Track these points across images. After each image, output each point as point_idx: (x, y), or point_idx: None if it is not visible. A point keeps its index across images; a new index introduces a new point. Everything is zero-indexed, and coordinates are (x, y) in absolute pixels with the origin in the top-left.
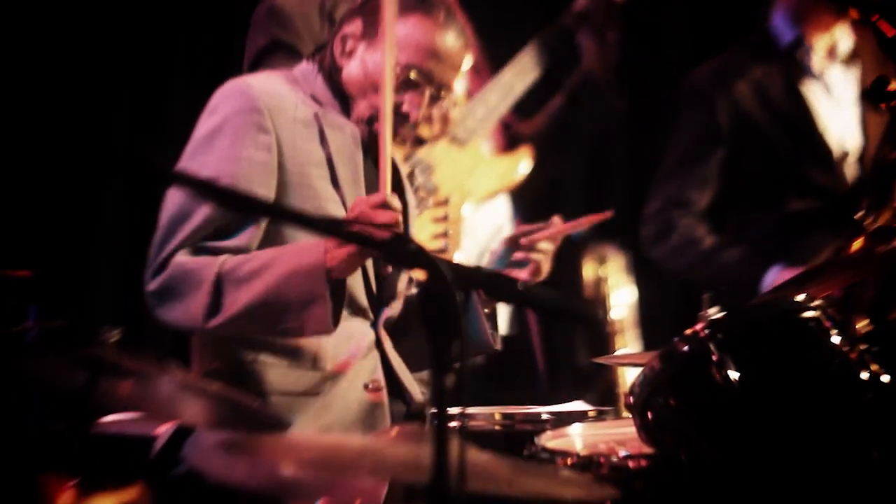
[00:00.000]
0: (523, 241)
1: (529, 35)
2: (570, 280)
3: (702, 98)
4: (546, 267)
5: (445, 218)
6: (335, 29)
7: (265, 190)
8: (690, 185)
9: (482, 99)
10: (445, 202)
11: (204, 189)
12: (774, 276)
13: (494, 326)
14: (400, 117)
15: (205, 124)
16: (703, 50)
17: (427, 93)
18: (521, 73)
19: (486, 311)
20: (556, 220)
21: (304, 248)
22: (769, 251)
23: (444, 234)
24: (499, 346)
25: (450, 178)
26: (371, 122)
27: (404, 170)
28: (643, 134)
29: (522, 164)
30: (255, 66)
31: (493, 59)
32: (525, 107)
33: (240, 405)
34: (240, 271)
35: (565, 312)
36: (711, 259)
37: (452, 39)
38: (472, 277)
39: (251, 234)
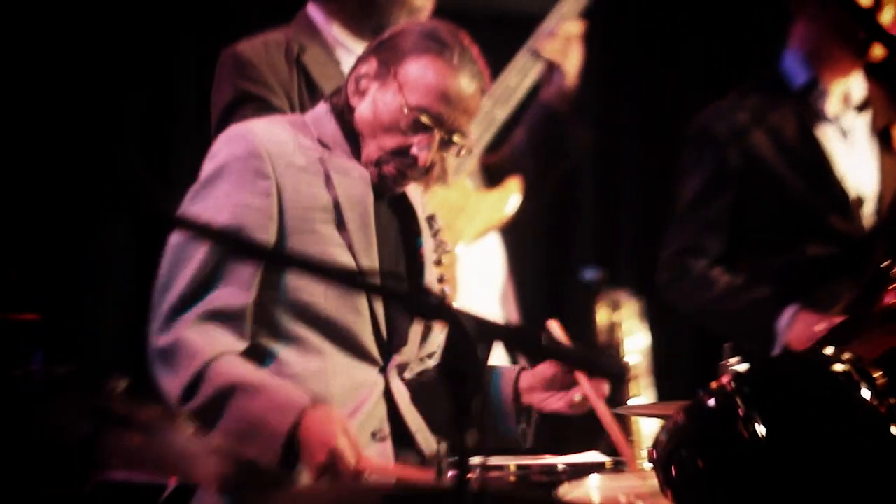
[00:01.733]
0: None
1: (504, 63)
2: (583, 325)
3: (711, 139)
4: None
5: (439, 262)
6: (351, 70)
7: (264, 235)
8: (701, 230)
9: None
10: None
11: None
12: (790, 318)
13: (528, 421)
14: (409, 159)
15: (206, 169)
16: (713, 88)
17: (437, 136)
18: (501, 100)
19: (519, 404)
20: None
21: (280, 405)
22: (785, 296)
23: (441, 280)
24: (529, 445)
25: (440, 219)
26: (379, 164)
27: (423, 211)
28: (655, 176)
29: (512, 197)
30: (225, 120)
31: None
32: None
33: (248, 463)
34: (222, 386)
35: (593, 367)
36: (725, 300)
37: (466, 82)
38: (495, 330)
39: (249, 281)
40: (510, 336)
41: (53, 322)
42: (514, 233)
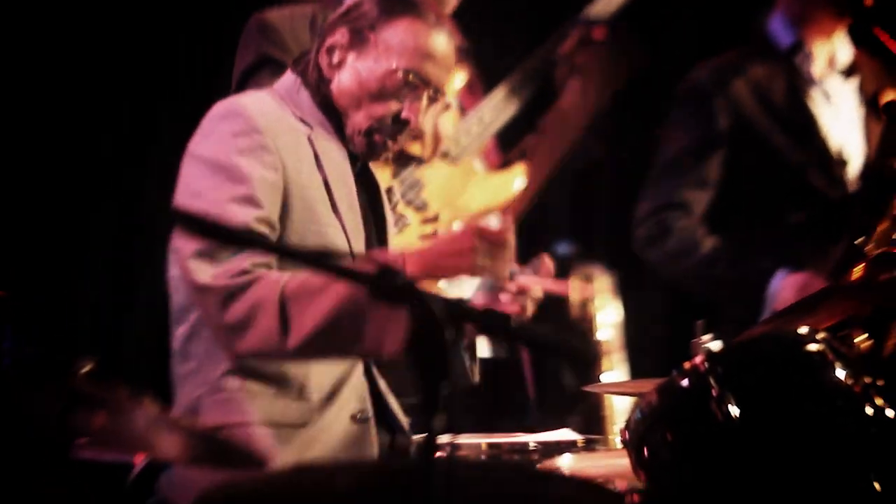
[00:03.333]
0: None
1: (525, 53)
2: (555, 300)
3: (701, 98)
4: (531, 311)
5: (434, 234)
6: (318, 41)
7: (278, 210)
8: (688, 187)
9: (476, 116)
10: (435, 219)
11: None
12: (780, 282)
13: (473, 357)
14: (400, 124)
15: (201, 147)
16: (699, 55)
17: (425, 96)
18: (514, 92)
19: (466, 341)
20: (546, 260)
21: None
22: (772, 258)
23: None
24: (476, 379)
25: (440, 194)
26: (370, 133)
27: (383, 184)
28: (629, 150)
29: (517, 180)
30: (244, 81)
31: (488, 77)
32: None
33: (215, 441)
34: (304, 290)
35: (558, 350)
36: (712, 264)
37: (444, 40)
38: (463, 314)
39: None
40: (479, 318)
41: (22, 299)
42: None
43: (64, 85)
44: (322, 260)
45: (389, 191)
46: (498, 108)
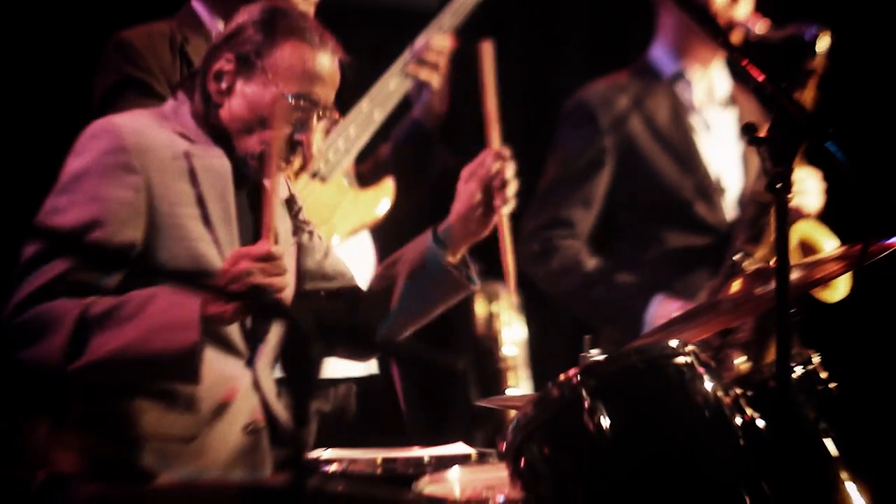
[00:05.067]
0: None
1: (381, 66)
2: (461, 317)
3: (587, 117)
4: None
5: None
6: (203, 66)
7: (133, 231)
8: (573, 205)
9: (342, 131)
10: None
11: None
12: (657, 307)
13: (465, 270)
14: (293, 145)
15: (71, 164)
16: (588, 74)
17: (315, 116)
18: (379, 102)
19: (456, 259)
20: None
21: (179, 299)
22: (651, 282)
23: None
24: (477, 287)
25: (314, 213)
26: (262, 157)
27: (282, 193)
28: (530, 167)
29: (385, 198)
30: (106, 103)
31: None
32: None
33: (106, 457)
34: (109, 316)
35: (426, 364)
36: (593, 286)
37: (328, 59)
38: (331, 330)
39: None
40: (348, 335)
41: None
42: (389, 228)
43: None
44: (195, 279)
45: (291, 199)
46: (363, 122)
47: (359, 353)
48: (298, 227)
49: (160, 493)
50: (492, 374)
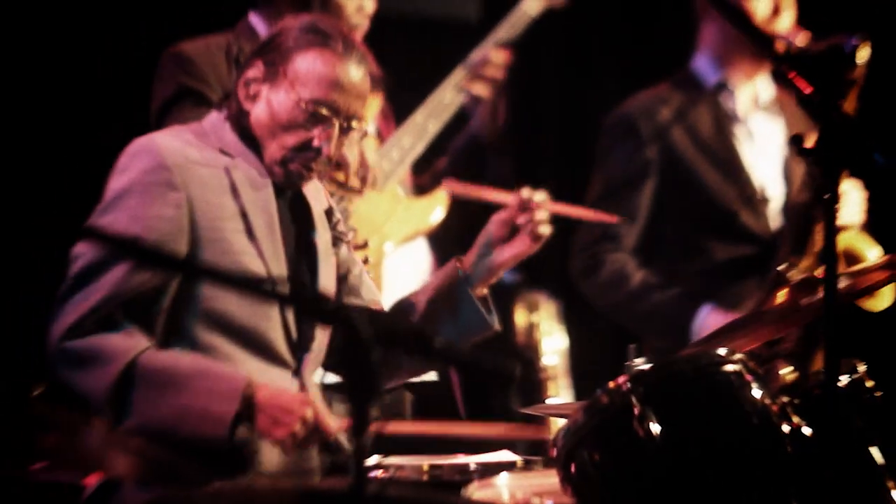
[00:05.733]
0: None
1: (438, 77)
2: (501, 327)
3: (630, 129)
4: (548, 231)
5: (366, 261)
6: (237, 75)
7: (176, 247)
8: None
9: (396, 141)
10: (364, 245)
11: (121, 245)
12: (704, 318)
13: (489, 310)
14: (312, 152)
15: (113, 183)
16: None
17: (336, 125)
18: (434, 114)
19: (479, 295)
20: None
21: (221, 389)
22: (698, 293)
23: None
24: (498, 327)
25: (367, 221)
26: (284, 162)
27: (320, 204)
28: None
29: (439, 207)
30: (163, 114)
31: (401, 103)
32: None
33: (162, 460)
34: (153, 380)
35: (483, 370)
36: (640, 298)
37: (354, 69)
38: (388, 334)
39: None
40: (404, 339)
41: None
42: (437, 236)
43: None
44: (255, 284)
45: (330, 211)
46: (417, 132)
47: (418, 361)
48: (338, 238)
49: (218, 497)
50: (533, 384)
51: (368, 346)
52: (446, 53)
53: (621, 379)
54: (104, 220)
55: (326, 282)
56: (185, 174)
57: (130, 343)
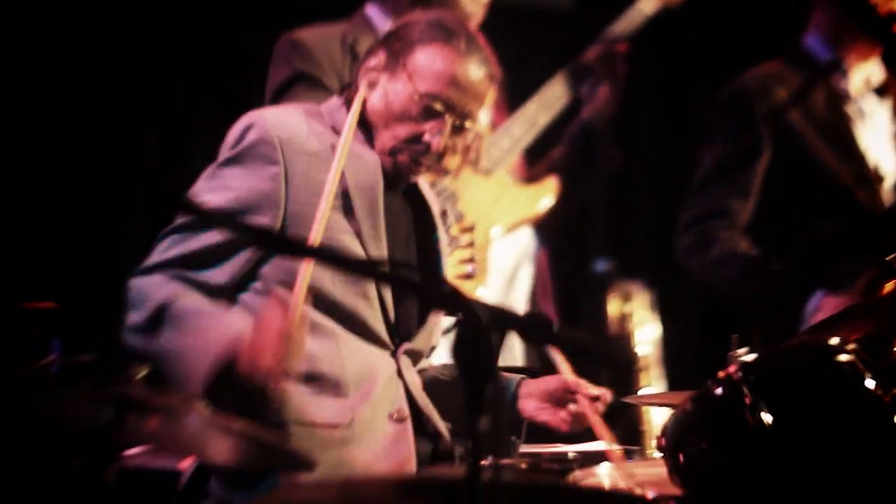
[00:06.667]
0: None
1: (549, 68)
2: (594, 316)
3: (743, 105)
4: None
5: (471, 244)
6: (360, 62)
7: (267, 220)
8: (730, 195)
9: (507, 130)
10: (471, 229)
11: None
12: (817, 302)
13: (518, 433)
14: (422, 146)
15: (221, 154)
16: (732, 68)
17: (449, 122)
18: (545, 106)
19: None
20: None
21: (216, 338)
22: (811, 271)
23: (471, 260)
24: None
25: (475, 205)
26: (393, 153)
27: (436, 207)
28: (668, 168)
29: (547, 196)
30: (277, 98)
31: (512, 92)
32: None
33: (265, 443)
34: (181, 319)
35: (597, 355)
36: (756, 275)
37: (474, 68)
38: (507, 319)
39: (234, 267)
40: (522, 324)
41: (71, 310)
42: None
43: (107, 99)
44: (371, 268)
45: (444, 213)
46: (527, 123)
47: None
48: (452, 240)
49: (326, 488)
50: (625, 374)
51: (486, 330)
52: (541, 41)
53: (732, 368)
54: (201, 186)
55: (447, 275)
56: (289, 148)
57: (170, 284)
